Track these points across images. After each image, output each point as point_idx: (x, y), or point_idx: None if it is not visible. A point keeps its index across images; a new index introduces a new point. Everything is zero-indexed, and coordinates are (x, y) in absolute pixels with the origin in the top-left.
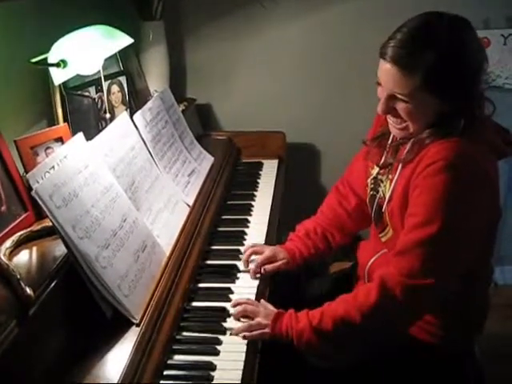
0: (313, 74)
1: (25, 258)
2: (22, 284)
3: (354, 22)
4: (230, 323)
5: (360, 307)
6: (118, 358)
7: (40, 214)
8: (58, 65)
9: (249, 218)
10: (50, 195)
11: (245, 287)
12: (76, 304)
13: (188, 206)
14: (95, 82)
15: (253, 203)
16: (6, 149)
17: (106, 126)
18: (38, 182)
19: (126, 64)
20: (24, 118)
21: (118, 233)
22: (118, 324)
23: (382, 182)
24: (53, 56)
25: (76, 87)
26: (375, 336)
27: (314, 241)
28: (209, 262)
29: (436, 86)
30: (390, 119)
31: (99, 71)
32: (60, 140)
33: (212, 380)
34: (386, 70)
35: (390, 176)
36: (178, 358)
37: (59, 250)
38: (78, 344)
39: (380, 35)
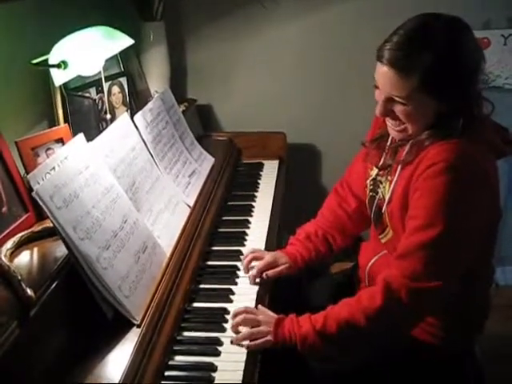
0: (313, 74)
1: (26, 258)
2: (23, 285)
3: (354, 22)
4: (230, 324)
5: (365, 310)
6: (118, 359)
7: (41, 215)
8: (58, 66)
9: (249, 218)
10: (51, 196)
11: (246, 288)
12: (77, 305)
13: (189, 206)
14: (96, 83)
15: (253, 204)
16: (7, 150)
17: (106, 127)
18: (38, 183)
19: (127, 65)
20: (25, 118)
21: (118, 234)
22: (119, 325)
23: (382, 183)
24: (53, 57)
25: (77, 88)
26: (380, 339)
27: (315, 244)
28: (209, 262)
29: (434, 87)
30: (389, 121)
31: (100, 72)
32: (61, 141)
33: (213, 381)
34: (383, 73)
35: (390, 177)
36: (179, 359)
37: (60, 250)
38: (78, 345)
39: (379, 35)
